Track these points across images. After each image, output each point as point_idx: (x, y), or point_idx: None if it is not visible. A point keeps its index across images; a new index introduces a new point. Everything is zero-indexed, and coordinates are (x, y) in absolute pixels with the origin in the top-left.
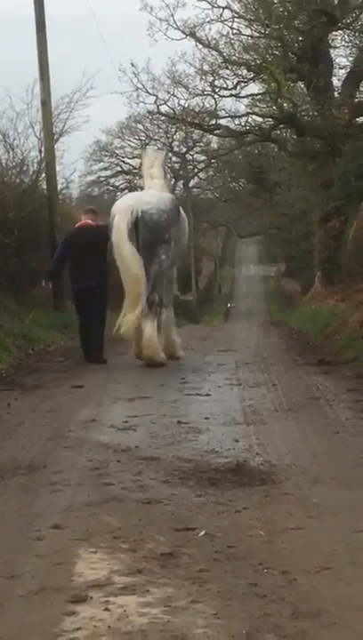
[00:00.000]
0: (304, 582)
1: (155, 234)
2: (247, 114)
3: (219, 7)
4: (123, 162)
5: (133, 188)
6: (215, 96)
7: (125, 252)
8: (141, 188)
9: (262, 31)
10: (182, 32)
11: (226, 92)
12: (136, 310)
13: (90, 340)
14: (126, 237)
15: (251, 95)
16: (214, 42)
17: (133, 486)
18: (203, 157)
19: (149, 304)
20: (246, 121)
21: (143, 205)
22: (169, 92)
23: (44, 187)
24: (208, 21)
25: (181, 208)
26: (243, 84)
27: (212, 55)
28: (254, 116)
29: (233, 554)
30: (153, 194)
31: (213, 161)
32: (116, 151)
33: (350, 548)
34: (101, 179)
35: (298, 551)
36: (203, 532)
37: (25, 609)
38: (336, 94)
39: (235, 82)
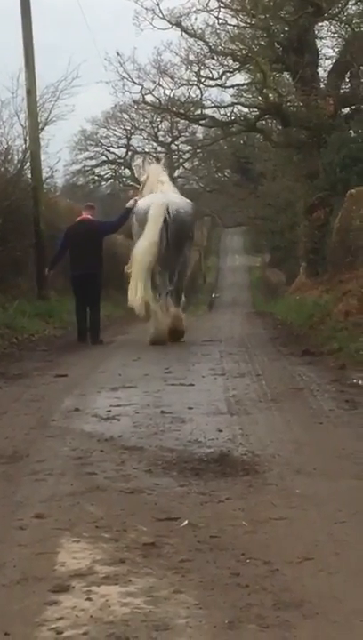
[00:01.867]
0: (287, 573)
1: (184, 230)
2: (233, 104)
3: None
4: (108, 151)
5: (118, 177)
6: (201, 86)
7: (153, 238)
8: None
9: (248, 21)
10: (168, 21)
11: (212, 82)
12: (144, 289)
13: (86, 321)
14: (160, 227)
15: (237, 85)
16: (200, 32)
17: (116, 476)
18: (188, 147)
19: (176, 291)
20: (232, 111)
21: (175, 205)
22: (155, 82)
23: (29, 176)
24: (194, 11)
25: None
26: (229, 74)
27: (198, 45)
28: (240, 107)
29: (216, 544)
30: (178, 196)
31: (198, 151)
32: (102, 140)
33: (333, 539)
34: (86, 168)
35: (281, 541)
36: (185, 522)
37: (7, 598)
38: (322, 85)
39: (221, 72)
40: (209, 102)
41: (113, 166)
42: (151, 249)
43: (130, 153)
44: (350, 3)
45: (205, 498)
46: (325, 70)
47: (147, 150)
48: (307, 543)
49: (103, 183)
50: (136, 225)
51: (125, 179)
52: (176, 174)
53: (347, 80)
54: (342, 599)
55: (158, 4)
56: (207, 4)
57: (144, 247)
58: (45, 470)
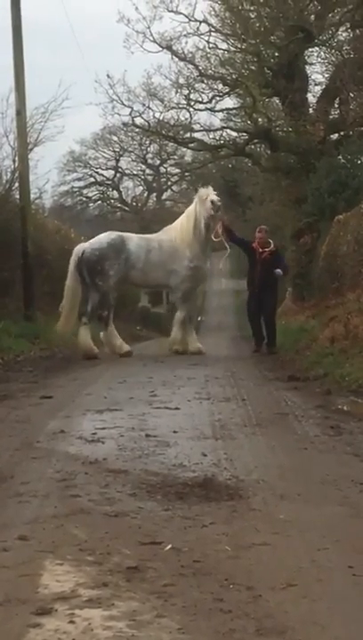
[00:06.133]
0: (270, 599)
1: (90, 267)
2: (222, 128)
3: (196, 21)
4: (96, 173)
5: (105, 198)
6: (190, 109)
7: (70, 282)
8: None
9: (239, 46)
10: (159, 45)
11: (201, 106)
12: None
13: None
14: (74, 269)
15: (226, 109)
16: (191, 55)
17: (101, 499)
18: (177, 170)
19: (84, 316)
20: (221, 135)
21: (85, 247)
22: (144, 105)
23: (17, 196)
24: (185, 35)
25: (123, 240)
26: (218, 98)
27: (188, 69)
28: (229, 131)
29: (199, 569)
30: (98, 237)
31: (186, 174)
32: (90, 162)
33: (316, 565)
34: (75, 189)
35: (264, 567)
36: (169, 547)
37: None
38: (311, 110)
39: (210, 96)
40: (198, 126)
41: (101, 188)
42: (67, 292)
43: (118, 175)
44: (340, 29)
45: (189, 522)
46: (314, 96)
47: (135, 172)
48: (290, 569)
49: (91, 205)
50: None
51: (112, 200)
52: (164, 197)
53: (336, 106)
54: (325, 626)
55: (149, 28)
56: (198, 28)
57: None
58: (30, 492)
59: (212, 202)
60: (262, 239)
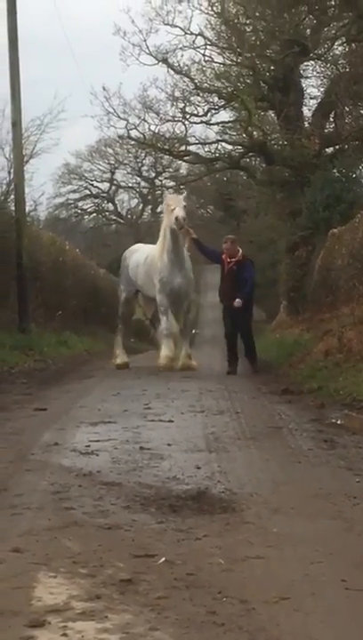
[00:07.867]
0: (263, 612)
1: None
2: (217, 141)
3: (192, 34)
4: (91, 185)
5: (100, 211)
6: (186, 122)
7: None
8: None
9: (235, 59)
10: (155, 58)
11: (196, 119)
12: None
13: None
14: None
15: (221, 122)
16: (186, 68)
17: (94, 511)
18: (172, 183)
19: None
20: (216, 148)
21: None
22: (140, 117)
23: (13, 208)
24: (181, 48)
25: (126, 255)
26: (214, 112)
27: (183, 82)
28: (224, 144)
29: (192, 581)
30: None
31: (181, 187)
32: (85, 174)
33: (309, 579)
34: (70, 202)
35: (257, 580)
36: (163, 559)
37: None
38: (306, 124)
39: (206, 109)
40: (194, 139)
41: (96, 200)
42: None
43: (113, 187)
44: (336, 43)
45: (183, 535)
46: (309, 109)
47: (130, 185)
48: (283, 583)
49: (86, 217)
50: None
51: (107, 213)
52: (159, 209)
53: (331, 120)
54: (318, 639)
55: (145, 41)
56: (194, 42)
57: None
58: (23, 504)
59: (176, 218)
60: (229, 250)
